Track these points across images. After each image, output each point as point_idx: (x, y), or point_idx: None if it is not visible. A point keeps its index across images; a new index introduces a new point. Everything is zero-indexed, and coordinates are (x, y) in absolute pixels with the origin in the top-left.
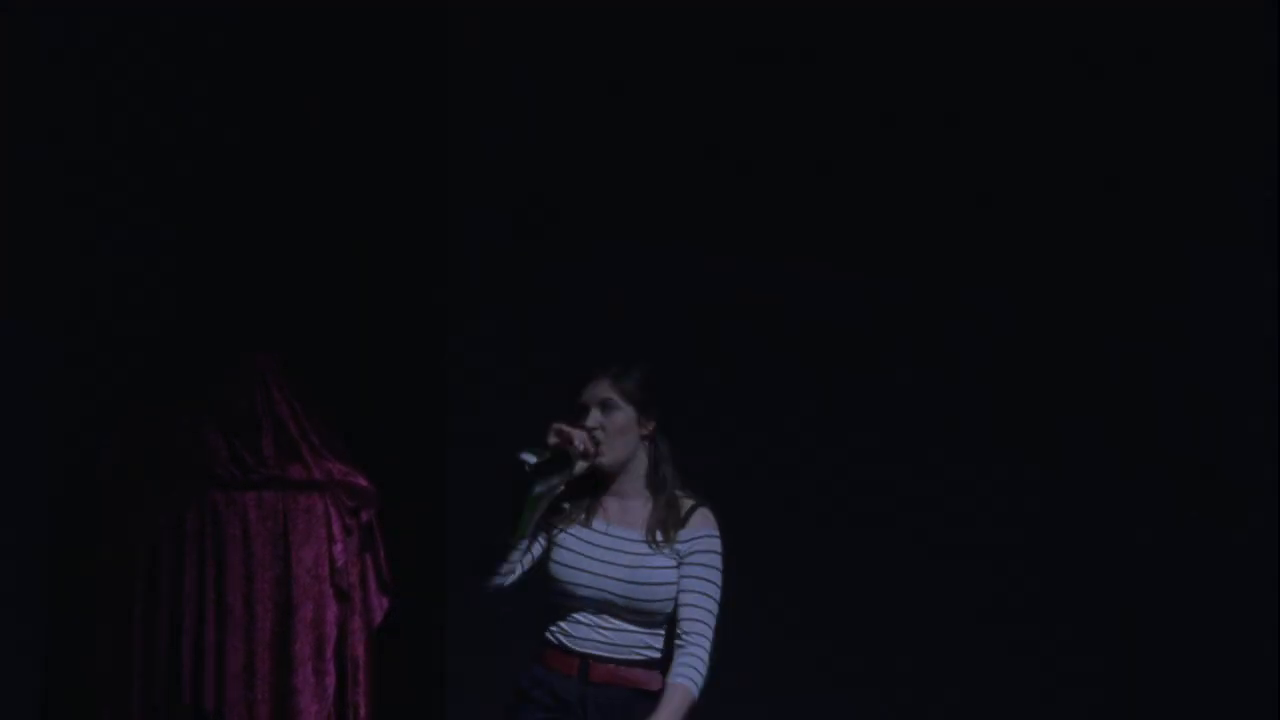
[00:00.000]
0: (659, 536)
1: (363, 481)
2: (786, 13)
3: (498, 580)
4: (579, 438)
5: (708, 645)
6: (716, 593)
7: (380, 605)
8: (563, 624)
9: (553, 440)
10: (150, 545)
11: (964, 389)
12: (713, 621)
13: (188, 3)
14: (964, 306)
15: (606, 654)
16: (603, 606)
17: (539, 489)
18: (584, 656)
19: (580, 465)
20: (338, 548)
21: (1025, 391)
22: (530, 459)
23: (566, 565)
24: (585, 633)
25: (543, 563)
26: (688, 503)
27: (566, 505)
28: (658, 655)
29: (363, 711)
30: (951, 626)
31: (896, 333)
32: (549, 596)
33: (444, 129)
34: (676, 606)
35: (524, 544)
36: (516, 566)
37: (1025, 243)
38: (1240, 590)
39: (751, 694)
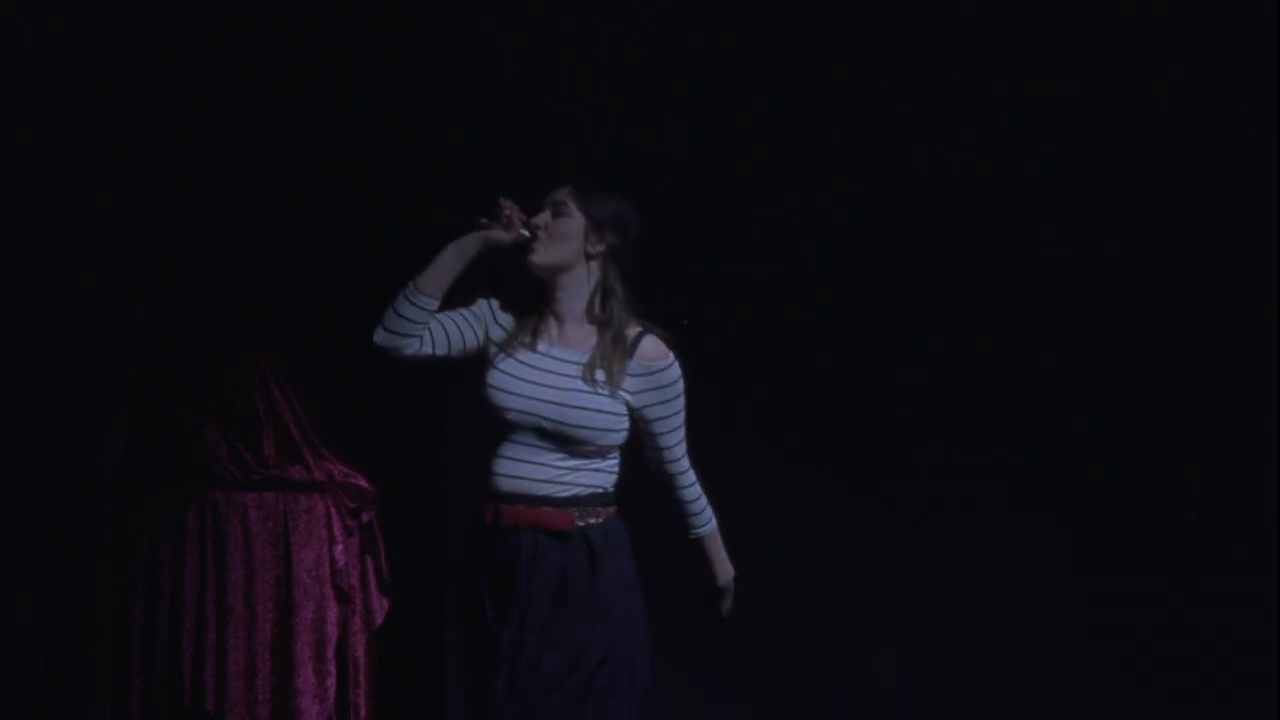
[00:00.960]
0: (599, 376)
1: (363, 482)
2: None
3: (392, 335)
4: (516, 214)
5: (694, 474)
6: (681, 418)
7: (381, 606)
8: (492, 463)
9: (493, 203)
10: (150, 545)
11: (963, 389)
12: (685, 447)
13: None
14: (964, 305)
15: (519, 490)
16: (533, 432)
17: (457, 244)
18: (496, 500)
19: (506, 237)
20: (339, 549)
21: (1024, 391)
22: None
23: (500, 388)
24: (508, 468)
25: (481, 385)
26: (635, 330)
27: (510, 327)
28: (573, 493)
29: (364, 712)
30: (951, 625)
31: (895, 333)
32: (490, 424)
33: (444, 127)
34: (654, 449)
35: (431, 307)
36: (420, 331)
37: (1025, 242)
38: (1240, 590)
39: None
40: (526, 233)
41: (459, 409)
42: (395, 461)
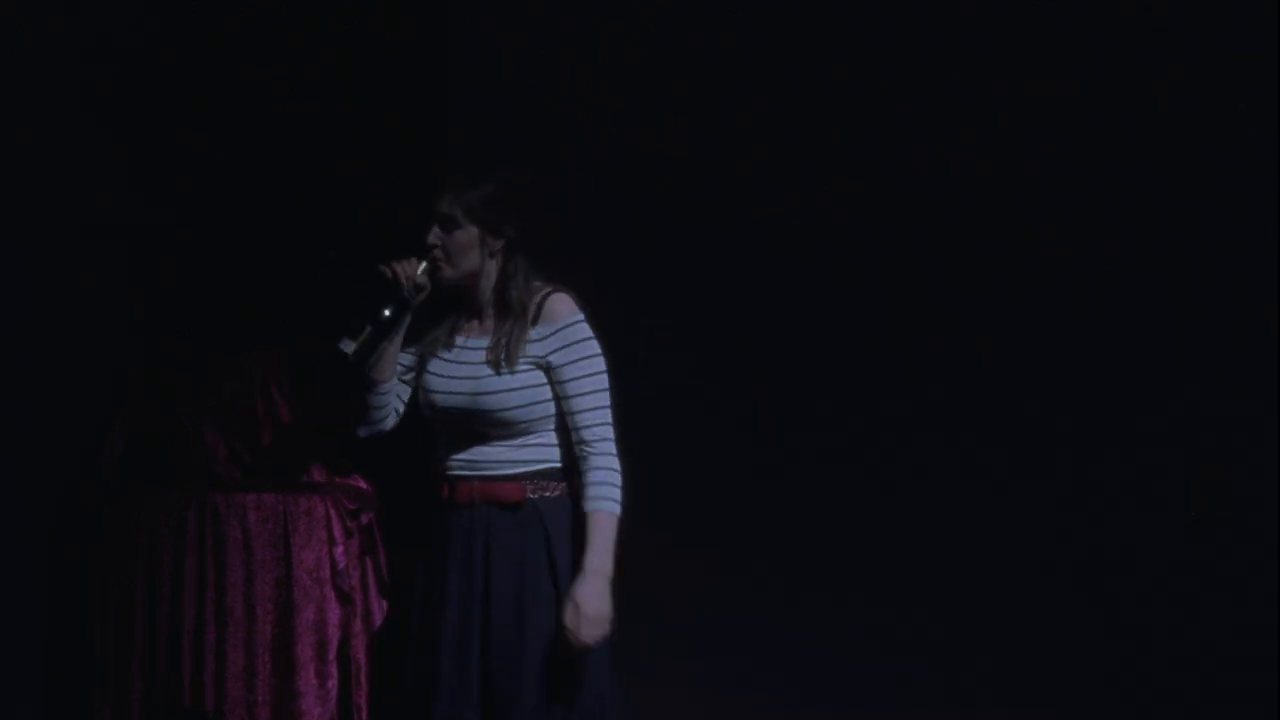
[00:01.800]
0: (502, 356)
1: (363, 484)
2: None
3: (372, 425)
4: (403, 274)
5: (612, 448)
6: (604, 381)
7: (381, 608)
8: (437, 450)
9: (381, 280)
10: (150, 545)
11: (963, 388)
12: (608, 417)
13: None
14: (963, 304)
15: (468, 472)
16: (459, 422)
17: (380, 329)
18: (450, 480)
19: (419, 296)
20: (338, 550)
21: (1023, 390)
22: (349, 347)
23: (425, 388)
24: (454, 453)
25: (413, 389)
26: (538, 297)
27: (431, 328)
28: (521, 470)
29: (365, 714)
30: (951, 625)
31: (894, 333)
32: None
33: (444, 126)
34: (568, 414)
35: (389, 388)
36: (389, 408)
37: (1024, 241)
38: (1240, 590)
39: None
40: (422, 271)
41: None
42: (395, 462)
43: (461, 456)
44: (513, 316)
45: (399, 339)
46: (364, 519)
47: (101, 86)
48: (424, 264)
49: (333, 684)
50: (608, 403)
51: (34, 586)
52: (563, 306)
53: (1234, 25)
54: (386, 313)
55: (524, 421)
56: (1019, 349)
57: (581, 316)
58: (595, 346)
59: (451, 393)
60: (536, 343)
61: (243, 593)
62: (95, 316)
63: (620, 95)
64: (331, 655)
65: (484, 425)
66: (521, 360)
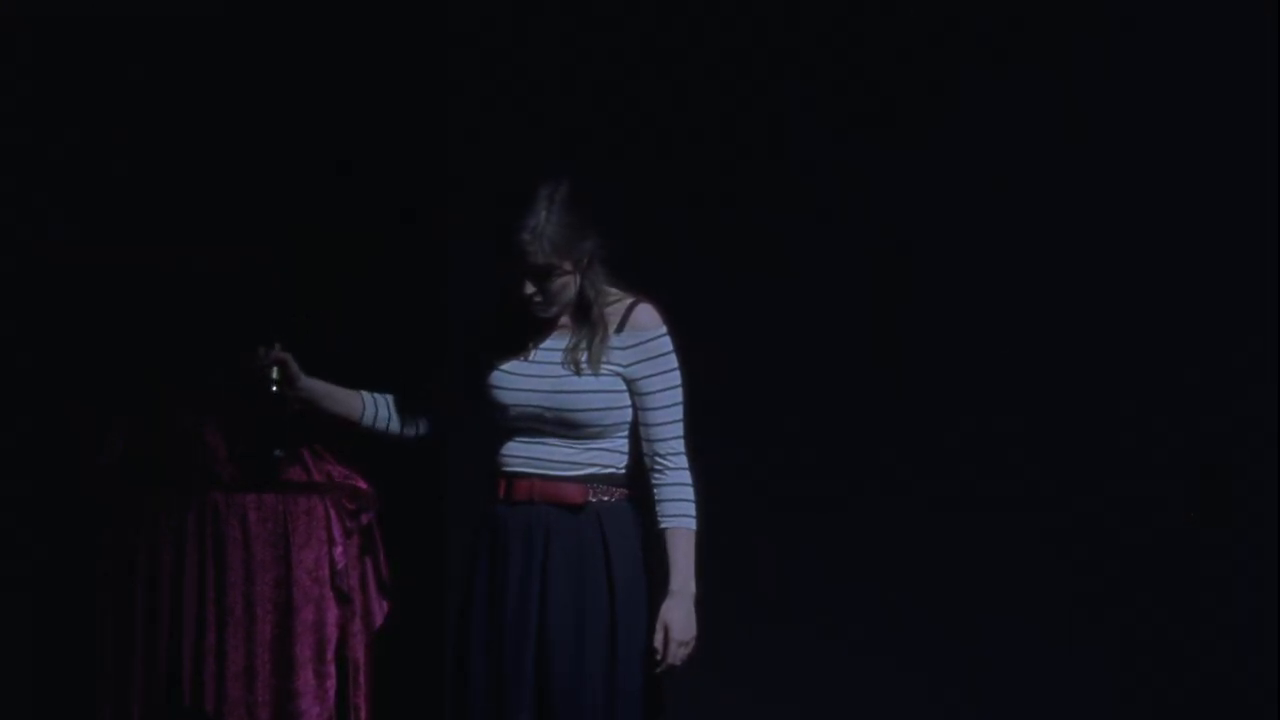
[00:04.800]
0: (583, 359)
1: (363, 484)
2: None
3: (400, 439)
4: (262, 382)
5: (685, 462)
6: (680, 395)
7: (381, 608)
8: (498, 450)
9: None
10: (150, 545)
11: (962, 388)
12: (682, 431)
13: None
14: (963, 304)
15: (529, 470)
16: (529, 423)
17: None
18: (509, 476)
19: (295, 392)
20: (338, 550)
21: (1023, 390)
22: (279, 453)
23: (498, 386)
24: (519, 451)
25: (479, 390)
26: (621, 305)
27: (498, 334)
28: (585, 472)
29: (364, 713)
30: (950, 626)
31: (893, 334)
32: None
33: (444, 125)
34: (643, 425)
35: (363, 415)
36: (385, 425)
37: (1024, 240)
38: (1240, 590)
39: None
40: (276, 377)
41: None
42: (395, 462)
43: (524, 454)
44: (592, 322)
45: (348, 400)
46: (364, 519)
47: (102, 84)
48: (274, 370)
49: (331, 684)
50: (682, 417)
51: (34, 586)
52: (648, 318)
53: (1234, 25)
54: (277, 453)
55: (598, 425)
56: (1018, 349)
57: (665, 330)
58: (675, 361)
59: (527, 391)
60: (620, 350)
61: (242, 592)
62: (95, 316)
63: (620, 96)
64: (330, 655)
65: (556, 426)
66: (604, 366)
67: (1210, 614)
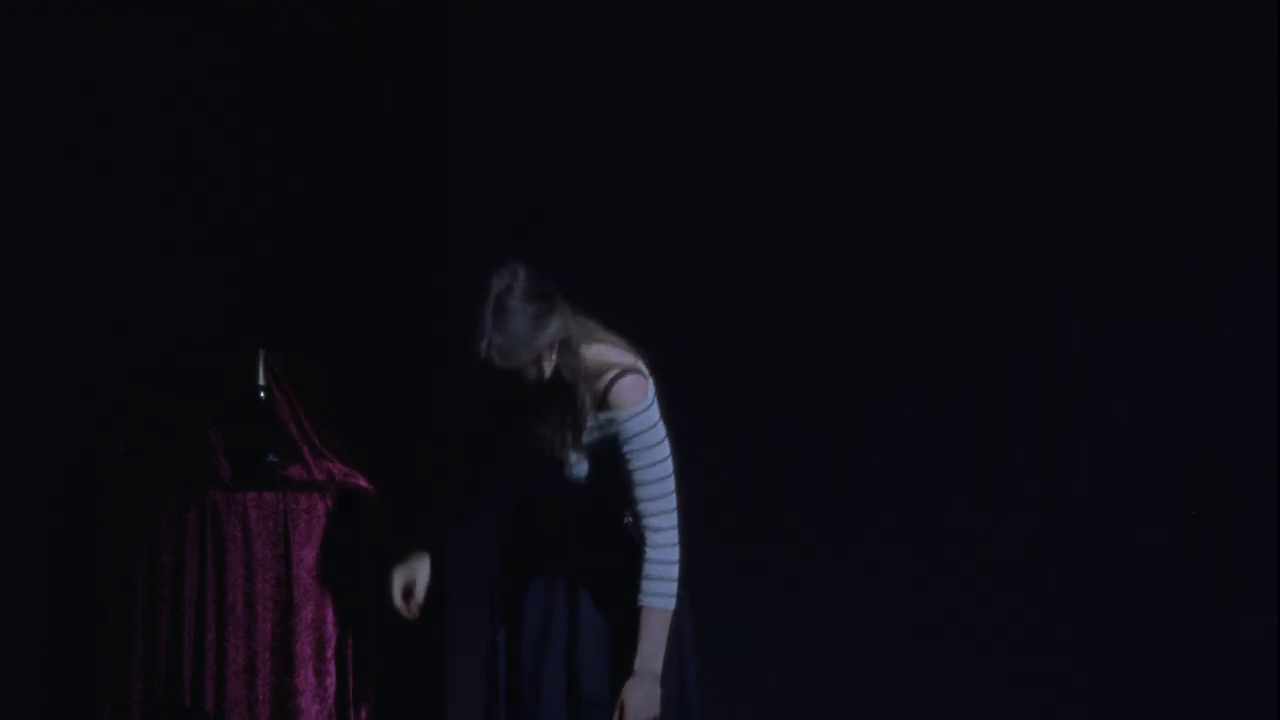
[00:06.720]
0: (568, 440)
1: (363, 482)
2: (791, 12)
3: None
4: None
5: (672, 538)
6: (666, 469)
7: (381, 607)
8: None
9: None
10: (150, 545)
11: (962, 388)
12: (670, 504)
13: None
14: (962, 303)
15: (553, 494)
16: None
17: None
18: (531, 501)
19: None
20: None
21: (1022, 390)
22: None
23: (528, 478)
24: (534, 482)
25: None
26: (604, 379)
27: (525, 425)
28: (615, 501)
29: (364, 712)
30: (951, 625)
31: (892, 336)
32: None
33: (445, 127)
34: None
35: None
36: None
37: (1023, 239)
38: (1240, 590)
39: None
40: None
41: (458, 409)
42: (395, 462)
43: (547, 484)
44: (572, 404)
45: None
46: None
47: (102, 88)
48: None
49: (331, 682)
50: (670, 489)
51: (34, 586)
52: (624, 396)
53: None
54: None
55: (609, 483)
56: (1018, 348)
57: (647, 403)
58: (656, 435)
59: (538, 464)
60: (598, 430)
61: (243, 591)
62: (95, 316)
63: (621, 99)
64: (330, 654)
65: (575, 488)
66: (586, 445)
67: (1210, 614)
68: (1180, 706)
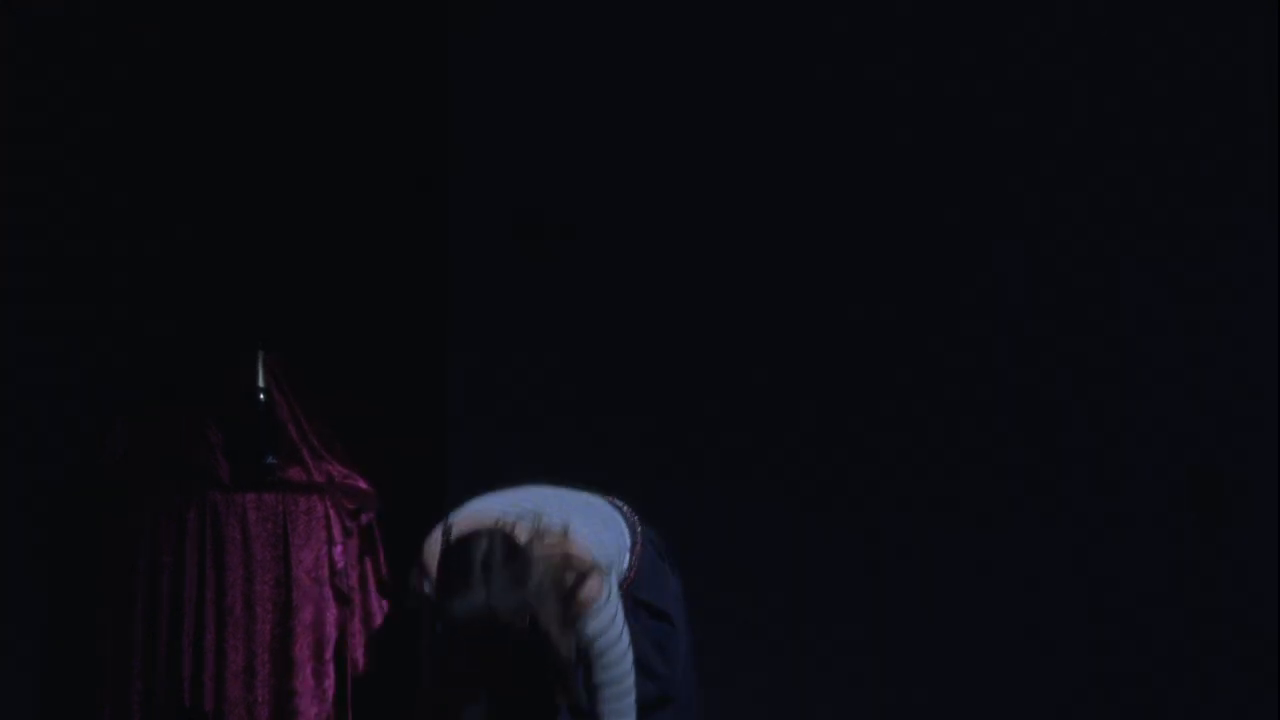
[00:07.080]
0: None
1: (363, 484)
2: (792, 16)
3: None
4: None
5: None
6: (623, 668)
7: (380, 607)
8: None
9: None
10: (150, 545)
11: (961, 388)
12: (626, 706)
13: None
14: (962, 302)
15: None
16: None
17: None
18: None
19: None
20: (338, 550)
21: (1022, 389)
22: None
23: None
24: None
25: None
26: (571, 575)
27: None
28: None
29: (363, 714)
30: (950, 625)
31: (894, 337)
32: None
33: (445, 129)
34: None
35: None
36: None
37: (1023, 239)
38: (1240, 590)
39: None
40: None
41: (459, 411)
42: (395, 462)
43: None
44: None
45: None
46: (364, 519)
47: (103, 88)
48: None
49: (330, 683)
50: (627, 685)
51: (34, 586)
52: (583, 598)
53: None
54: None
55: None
56: (1018, 348)
57: (589, 615)
58: (611, 638)
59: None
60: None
61: (242, 592)
62: (96, 316)
63: (621, 98)
64: (329, 655)
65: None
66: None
67: (1210, 614)
68: (1180, 706)
